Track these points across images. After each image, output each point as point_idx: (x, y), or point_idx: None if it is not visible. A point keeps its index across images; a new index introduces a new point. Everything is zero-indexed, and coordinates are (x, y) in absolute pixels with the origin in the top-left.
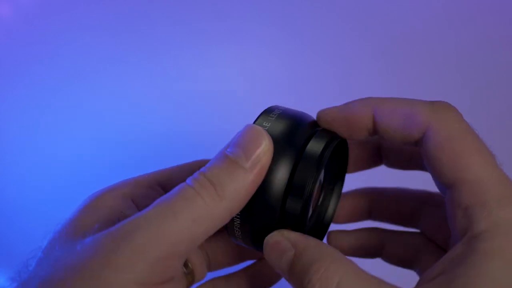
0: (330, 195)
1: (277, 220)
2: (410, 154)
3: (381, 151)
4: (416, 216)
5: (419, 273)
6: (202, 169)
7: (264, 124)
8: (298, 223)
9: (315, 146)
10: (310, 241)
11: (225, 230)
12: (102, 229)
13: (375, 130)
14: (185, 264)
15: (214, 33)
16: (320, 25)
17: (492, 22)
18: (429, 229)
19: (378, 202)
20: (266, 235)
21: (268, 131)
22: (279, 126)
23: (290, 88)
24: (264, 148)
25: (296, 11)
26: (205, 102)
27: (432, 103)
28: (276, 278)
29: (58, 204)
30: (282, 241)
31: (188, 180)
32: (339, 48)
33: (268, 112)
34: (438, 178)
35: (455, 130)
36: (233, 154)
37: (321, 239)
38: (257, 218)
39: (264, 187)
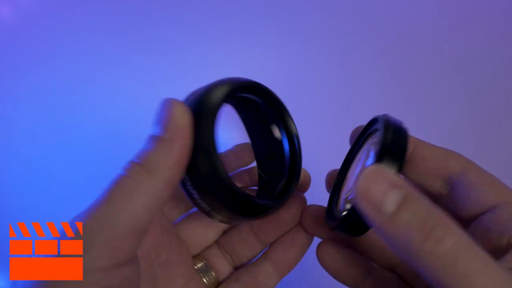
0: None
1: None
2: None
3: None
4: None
5: None
6: (131, 158)
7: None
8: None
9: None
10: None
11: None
12: None
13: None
14: (204, 265)
15: (214, 33)
16: (320, 25)
17: (492, 22)
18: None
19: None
20: (222, 187)
21: (186, 103)
22: (195, 95)
23: (290, 88)
24: (177, 114)
25: (296, 11)
26: None
27: None
28: (296, 259)
29: (58, 204)
30: (390, 174)
31: (120, 170)
32: (339, 48)
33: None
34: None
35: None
36: (153, 131)
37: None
38: (203, 175)
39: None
